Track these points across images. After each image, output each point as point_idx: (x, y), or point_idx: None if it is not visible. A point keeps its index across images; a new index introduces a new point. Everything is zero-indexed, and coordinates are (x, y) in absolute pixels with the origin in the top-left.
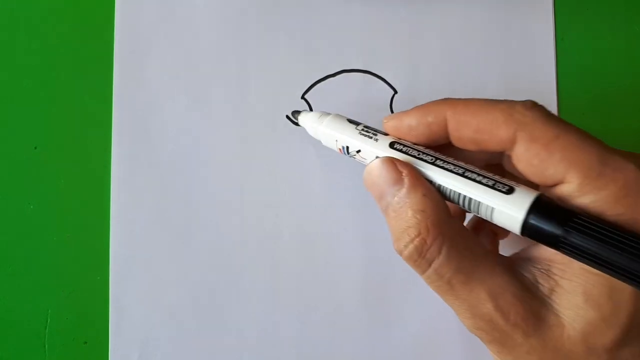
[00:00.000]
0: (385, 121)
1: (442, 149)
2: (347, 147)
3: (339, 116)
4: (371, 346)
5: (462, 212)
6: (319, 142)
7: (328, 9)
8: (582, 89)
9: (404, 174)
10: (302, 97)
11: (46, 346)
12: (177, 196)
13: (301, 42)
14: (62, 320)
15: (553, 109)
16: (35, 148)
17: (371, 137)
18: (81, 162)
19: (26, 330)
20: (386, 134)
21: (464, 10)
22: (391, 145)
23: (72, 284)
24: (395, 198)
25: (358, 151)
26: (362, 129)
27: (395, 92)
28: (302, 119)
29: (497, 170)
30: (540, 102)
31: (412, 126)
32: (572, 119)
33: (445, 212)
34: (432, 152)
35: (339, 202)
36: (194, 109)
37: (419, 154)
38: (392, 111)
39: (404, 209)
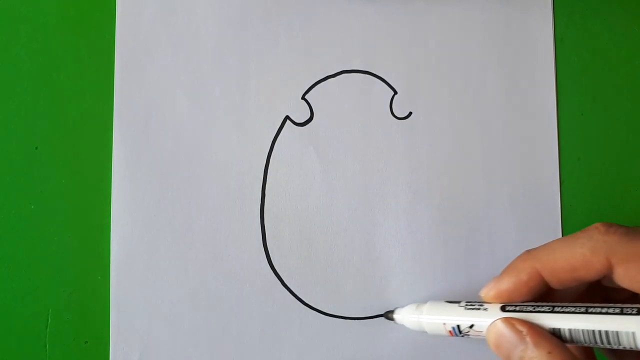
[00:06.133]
0: (483, 295)
1: (538, 298)
2: (458, 327)
3: (436, 301)
4: (371, 346)
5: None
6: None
7: (328, 9)
8: (581, 89)
9: (524, 333)
10: (303, 98)
11: (47, 346)
12: (178, 196)
13: (301, 42)
14: (63, 320)
15: (553, 109)
16: (36, 148)
17: (479, 309)
18: (82, 162)
19: (27, 330)
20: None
21: (463, 11)
22: (503, 308)
23: (73, 284)
24: (524, 357)
25: (471, 326)
26: (466, 305)
27: (395, 92)
28: (398, 317)
29: (597, 288)
30: (540, 103)
31: (510, 290)
32: (572, 119)
33: None
34: (544, 303)
35: (339, 202)
36: (194, 109)
37: (534, 308)
38: (392, 111)
39: None
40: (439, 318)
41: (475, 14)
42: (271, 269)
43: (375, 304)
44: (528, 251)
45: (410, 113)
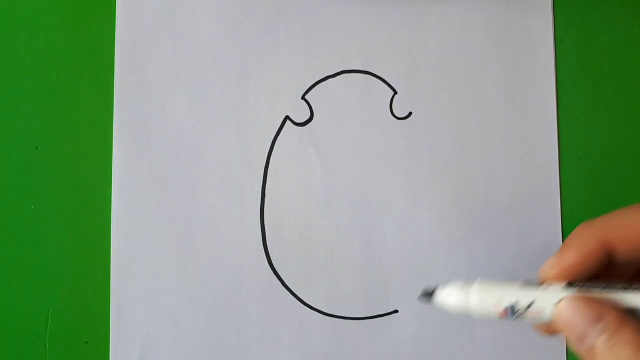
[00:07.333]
0: (543, 274)
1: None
2: (513, 306)
3: (486, 281)
4: (371, 346)
5: None
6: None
7: (328, 9)
8: (581, 89)
9: (604, 311)
10: (303, 98)
11: (47, 346)
12: (178, 196)
13: (301, 42)
14: (63, 320)
15: (553, 109)
16: (36, 148)
17: (539, 287)
18: (82, 162)
19: (27, 330)
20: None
21: (463, 11)
22: (569, 285)
23: (73, 284)
24: (602, 338)
25: (529, 305)
26: (524, 283)
27: (395, 92)
28: (442, 295)
29: None
30: (540, 103)
31: (577, 263)
32: (572, 119)
33: None
34: (614, 282)
35: (339, 202)
36: (194, 109)
37: (604, 287)
38: (392, 111)
39: (616, 350)
40: (491, 297)
41: (475, 14)
42: (271, 269)
43: (375, 304)
44: (587, 223)
45: (410, 113)
